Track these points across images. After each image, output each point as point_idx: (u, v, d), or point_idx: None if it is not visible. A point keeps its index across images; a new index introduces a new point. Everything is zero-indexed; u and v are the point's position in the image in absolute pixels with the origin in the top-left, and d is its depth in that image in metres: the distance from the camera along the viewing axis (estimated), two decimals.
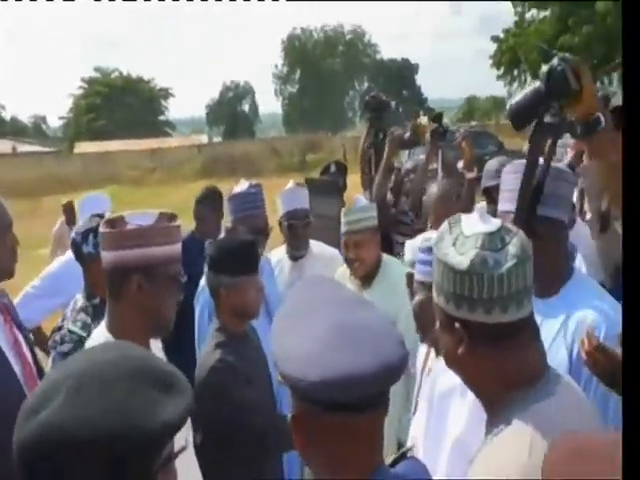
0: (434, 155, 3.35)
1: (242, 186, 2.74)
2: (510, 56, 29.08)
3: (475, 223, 1.04)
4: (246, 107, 61.80)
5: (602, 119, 1.38)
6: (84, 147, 31.97)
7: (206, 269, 2.06)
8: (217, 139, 44.60)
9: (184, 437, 0.91)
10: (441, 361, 1.50)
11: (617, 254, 2.39)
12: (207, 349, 2.04)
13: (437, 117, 3.43)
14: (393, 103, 3.56)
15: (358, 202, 2.76)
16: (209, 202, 3.44)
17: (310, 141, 25.61)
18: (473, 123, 24.58)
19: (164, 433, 0.75)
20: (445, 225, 1.07)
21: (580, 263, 2.54)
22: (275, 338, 0.94)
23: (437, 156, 3.38)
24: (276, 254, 3.05)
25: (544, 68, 1.46)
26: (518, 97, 1.47)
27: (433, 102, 59.35)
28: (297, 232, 2.84)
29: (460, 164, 3.45)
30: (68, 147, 35.29)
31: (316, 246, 3.00)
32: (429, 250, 1.63)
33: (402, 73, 52.25)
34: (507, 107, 1.49)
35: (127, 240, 1.47)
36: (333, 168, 4.19)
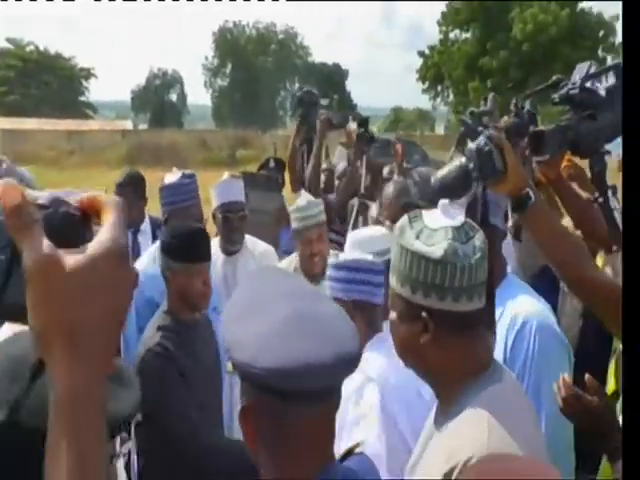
0: (359, 159, 3.36)
1: (175, 175, 2.64)
2: (435, 72, 30.24)
3: (439, 218, 1.08)
4: (174, 96, 60.18)
5: (532, 194, 1.42)
6: None
7: (160, 256, 2.10)
8: (142, 126, 43.11)
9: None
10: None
11: (531, 263, 2.61)
12: (149, 330, 2.04)
13: (363, 122, 3.44)
14: (325, 101, 3.56)
15: (307, 197, 2.70)
16: (132, 187, 3.27)
17: (240, 137, 25.32)
18: (400, 132, 25.32)
19: (112, 425, 0.72)
20: (404, 220, 1.10)
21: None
22: (227, 326, 0.90)
23: (362, 161, 3.37)
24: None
25: (471, 146, 1.49)
26: (444, 172, 1.45)
27: (362, 109, 60.48)
28: (232, 225, 2.75)
29: (386, 170, 3.46)
30: None
31: (250, 241, 2.96)
32: (337, 267, 1.71)
33: (333, 77, 52.78)
34: (432, 181, 1.46)
35: None
36: (272, 163, 4.14)
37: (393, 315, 1.13)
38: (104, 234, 0.50)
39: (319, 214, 2.57)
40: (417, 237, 1.06)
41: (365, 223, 3.11)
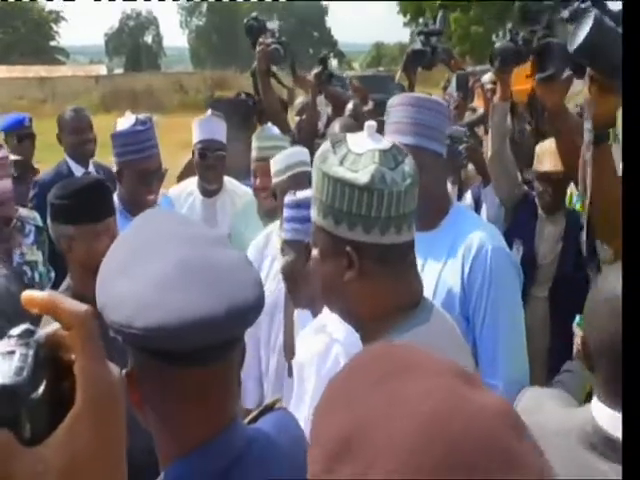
0: (316, 97, 3.24)
1: (128, 121, 2.39)
2: (415, 5, 29.40)
3: (364, 141, 0.98)
4: (149, 38, 58.01)
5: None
6: None
7: (49, 221, 1.77)
8: (118, 71, 41.72)
9: None
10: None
11: (513, 196, 2.56)
12: (46, 319, 1.81)
13: (322, 60, 3.29)
14: (273, 24, 3.31)
15: (269, 129, 2.60)
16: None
17: (218, 78, 24.62)
18: (381, 68, 24.78)
19: None
20: (326, 145, 1.00)
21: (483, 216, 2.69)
22: (101, 285, 0.79)
23: (317, 100, 3.26)
24: (180, 188, 2.87)
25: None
26: None
27: (343, 45, 58.83)
28: (208, 162, 2.66)
29: (349, 106, 3.38)
30: None
31: (230, 183, 2.88)
32: (297, 206, 1.61)
33: (312, 14, 51.12)
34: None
35: None
36: (243, 95, 4.00)
37: (315, 252, 1.03)
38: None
39: (274, 148, 2.42)
40: (341, 163, 0.96)
41: None
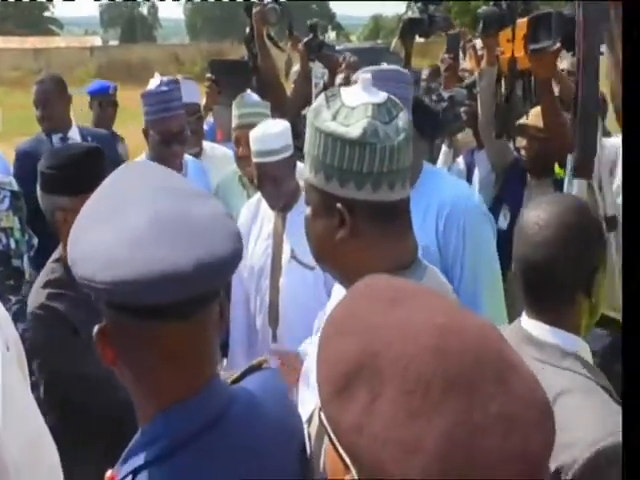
0: (306, 65, 3.14)
1: (154, 82, 2.38)
2: None
3: (358, 94, 0.95)
4: (144, 9, 57.10)
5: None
6: None
7: (39, 192, 1.67)
8: (112, 42, 41.15)
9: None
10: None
11: (503, 162, 2.58)
12: (36, 285, 1.67)
13: (312, 27, 3.18)
14: None
15: (249, 96, 2.52)
16: (53, 84, 2.99)
17: (214, 50, 24.31)
18: (379, 41, 24.39)
19: None
20: (321, 98, 0.97)
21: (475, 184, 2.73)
22: (72, 239, 0.76)
23: (309, 72, 3.14)
24: None
25: None
26: None
27: (341, 18, 57.90)
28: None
29: (339, 77, 3.40)
30: None
31: (208, 146, 2.85)
32: None
33: None
34: None
35: None
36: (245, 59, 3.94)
37: (307, 210, 1.00)
38: None
39: (254, 115, 2.37)
40: (333, 118, 0.93)
41: None
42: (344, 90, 0.97)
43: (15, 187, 2.50)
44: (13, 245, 2.42)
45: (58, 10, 48.10)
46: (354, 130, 0.91)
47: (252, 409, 0.80)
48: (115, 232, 0.72)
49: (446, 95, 2.72)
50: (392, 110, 0.95)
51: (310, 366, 1.33)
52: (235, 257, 0.74)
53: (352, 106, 0.94)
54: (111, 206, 0.77)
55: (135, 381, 0.77)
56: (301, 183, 2.21)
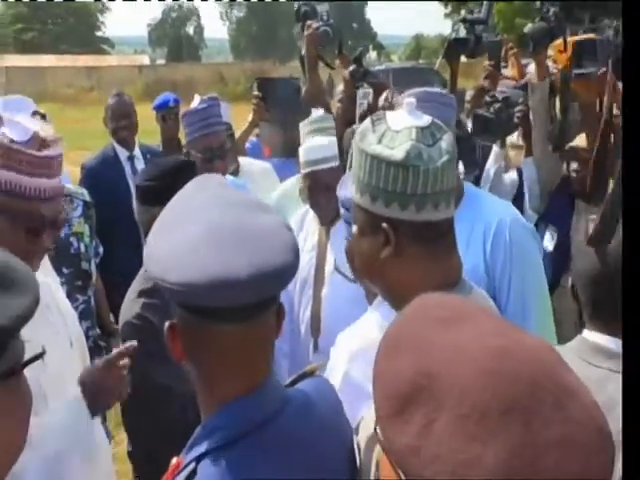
0: (352, 91, 3.26)
1: (195, 102, 2.45)
2: None
3: (403, 118, 0.99)
4: (191, 29, 58.78)
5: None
6: (11, 60, 29.80)
7: (136, 203, 1.75)
8: (160, 61, 42.51)
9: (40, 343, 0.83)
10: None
11: (553, 179, 2.50)
12: (130, 295, 1.72)
13: (356, 59, 3.10)
14: (322, 6, 3.14)
15: (316, 113, 2.59)
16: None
17: (258, 69, 24.80)
18: (420, 61, 24.39)
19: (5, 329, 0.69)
20: (367, 122, 1.01)
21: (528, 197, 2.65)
22: (149, 239, 0.85)
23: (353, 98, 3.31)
24: None
25: None
26: None
27: (382, 38, 58.22)
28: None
29: (383, 97, 3.49)
30: None
31: (245, 162, 2.89)
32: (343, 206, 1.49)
33: (352, 5, 50.82)
34: None
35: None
36: (291, 77, 3.97)
37: (354, 229, 1.04)
38: None
39: (329, 129, 2.44)
40: (379, 141, 0.96)
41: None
42: (389, 114, 1.00)
43: (87, 198, 2.69)
44: (83, 249, 2.61)
45: (109, 30, 49.95)
46: (398, 153, 0.94)
47: (306, 410, 0.85)
48: (179, 238, 0.79)
49: (500, 96, 2.61)
50: (436, 133, 0.97)
51: (331, 358, 1.31)
52: (291, 267, 0.80)
53: (397, 129, 0.96)
54: (179, 214, 0.86)
55: (198, 376, 0.84)
56: None
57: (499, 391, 0.53)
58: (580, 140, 2.36)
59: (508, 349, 0.56)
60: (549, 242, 2.38)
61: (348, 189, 1.18)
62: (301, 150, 2.21)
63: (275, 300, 0.83)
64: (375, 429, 0.63)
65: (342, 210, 1.37)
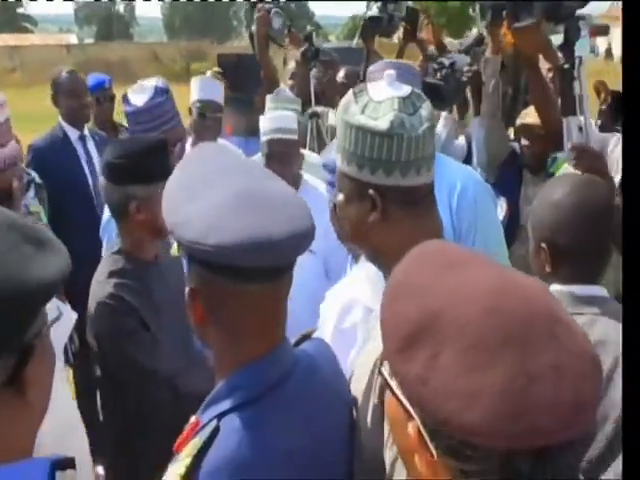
0: (306, 70, 3.29)
1: (143, 92, 2.10)
2: None
3: (384, 89, 1.03)
4: (121, 8, 56.44)
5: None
6: None
7: (105, 182, 1.67)
8: (88, 40, 40.55)
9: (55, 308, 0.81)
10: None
11: (501, 153, 2.57)
12: (98, 277, 1.67)
13: (307, 37, 3.35)
14: None
15: (283, 91, 2.63)
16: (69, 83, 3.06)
17: (194, 49, 24.19)
18: (358, 41, 24.50)
19: (40, 290, 0.67)
20: (349, 95, 1.04)
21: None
22: (169, 206, 0.87)
23: (306, 77, 3.29)
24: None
25: None
26: None
27: (319, 18, 58.09)
28: (208, 124, 2.56)
29: (341, 74, 3.46)
30: None
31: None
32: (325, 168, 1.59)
33: None
34: None
35: None
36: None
37: (341, 197, 1.08)
38: None
39: (295, 110, 2.49)
40: (362, 111, 1.01)
41: (319, 134, 3.05)
42: (370, 85, 1.04)
43: (37, 180, 2.49)
44: None
45: (32, 7, 47.23)
46: (382, 123, 0.98)
47: (312, 370, 0.92)
48: (209, 202, 0.83)
49: (447, 62, 2.66)
50: (416, 102, 1.02)
51: (321, 312, 1.49)
52: (313, 231, 0.87)
53: (379, 100, 1.01)
54: (199, 180, 0.88)
55: (219, 338, 0.87)
56: (302, 173, 2.41)
57: (497, 325, 0.58)
58: (530, 116, 2.46)
59: (506, 288, 0.61)
60: (499, 212, 2.46)
61: (332, 153, 1.28)
62: (262, 119, 2.30)
63: (294, 264, 0.88)
64: (380, 371, 0.68)
65: (326, 173, 1.49)
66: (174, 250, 0.88)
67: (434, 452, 0.60)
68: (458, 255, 0.68)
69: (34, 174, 2.52)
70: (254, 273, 0.82)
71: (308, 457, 0.86)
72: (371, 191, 1.01)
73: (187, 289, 0.86)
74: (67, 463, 0.62)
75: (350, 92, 1.05)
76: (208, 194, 0.84)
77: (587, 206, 1.32)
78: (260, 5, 3.15)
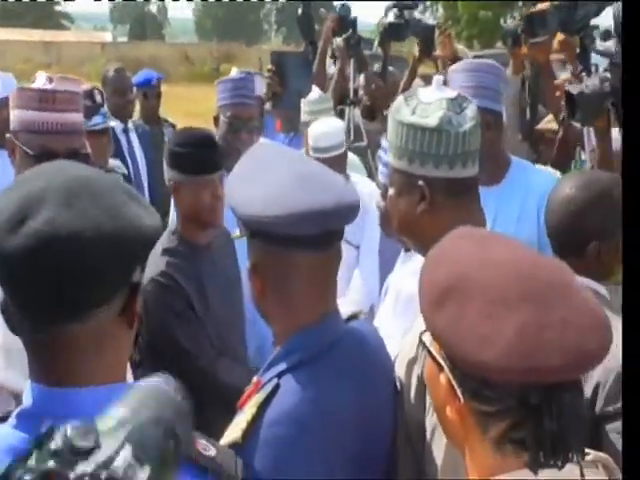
0: (345, 62, 3.27)
1: (232, 73, 2.64)
2: None
3: (433, 92, 1.14)
4: (154, 8, 57.33)
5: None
6: None
7: (165, 163, 1.83)
8: (121, 39, 41.30)
9: None
10: (409, 265, 1.56)
11: None
12: (154, 253, 1.69)
13: (352, 23, 3.27)
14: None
15: (316, 92, 2.64)
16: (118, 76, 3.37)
17: (224, 51, 24.45)
18: (375, 47, 24.28)
19: (150, 236, 0.77)
20: (400, 99, 1.15)
21: None
22: (233, 190, 0.99)
23: (348, 65, 3.28)
24: None
25: None
26: None
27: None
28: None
29: (376, 66, 3.45)
30: None
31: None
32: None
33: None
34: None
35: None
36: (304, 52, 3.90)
37: (391, 191, 1.18)
38: None
39: (328, 110, 2.56)
40: (413, 112, 1.11)
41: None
42: (420, 90, 1.17)
43: (125, 171, 2.86)
44: None
45: (68, 5, 48.24)
46: (432, 120, 1.09)
47: (361, 341, 1.02)
48: (268, 183, 0.95)
49: None
50: (462, 103, 1.13)
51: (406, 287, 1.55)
52: (358, 203, 0.98)
53: (429, 101, 1.12)
54: (256, 168, 1.02)
55: (277, 308, 0.98)
56: (349, 174, 2.43)
57: (517, 286, 0.69)
58: (547, 122, 2.54)
59: (530, 259, 0.73)
60: None
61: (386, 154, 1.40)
62: (310, 134, 2.32)
63: (341, 236, 0.99)
64: (420, 338, 0.79)
65: (381, 168, 1.61)
66: (234, 235, 1.02)
67: (461, 398, 0.71)
68: (488, 236, 0.81)
69: (122, 167, 2.87)
70: (308, 240, 0.93)
71: (356, 421, 0.95)
72: (421, 182, 1.11)
73: (247, 265, 0.97)
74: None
75: (401, 97, 1.16)
76: (265, 177, 0.97)
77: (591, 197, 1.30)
78: (332, 15, 3.21)
